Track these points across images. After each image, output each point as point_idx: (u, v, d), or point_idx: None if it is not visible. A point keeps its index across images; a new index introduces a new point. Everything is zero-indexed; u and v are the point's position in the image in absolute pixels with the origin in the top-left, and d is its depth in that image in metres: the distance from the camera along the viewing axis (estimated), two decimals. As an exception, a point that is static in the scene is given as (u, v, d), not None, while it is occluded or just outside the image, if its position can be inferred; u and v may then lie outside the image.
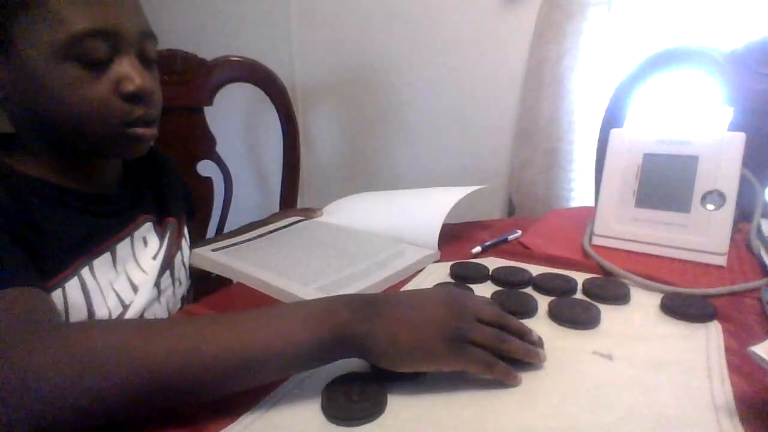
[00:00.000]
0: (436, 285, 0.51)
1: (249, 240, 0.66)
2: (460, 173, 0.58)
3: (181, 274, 0.60)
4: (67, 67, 0.43)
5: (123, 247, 0.51)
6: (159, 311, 0.54)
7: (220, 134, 1.02)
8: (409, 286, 0.52)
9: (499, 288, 0.51)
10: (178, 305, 0.59)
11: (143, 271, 0.53)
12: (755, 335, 0.41)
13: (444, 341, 0.34)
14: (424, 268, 0.57)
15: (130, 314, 0.50)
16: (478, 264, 0.56)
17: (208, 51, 1.00)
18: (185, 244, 0.63)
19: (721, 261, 0.55)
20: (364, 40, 1.41)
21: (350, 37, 1.42)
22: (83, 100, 0.44)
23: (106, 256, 0.49)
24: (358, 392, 0.33)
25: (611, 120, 0.91)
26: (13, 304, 0.35)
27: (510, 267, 0.55)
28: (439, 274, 0.55)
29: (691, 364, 0.37)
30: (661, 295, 0.47)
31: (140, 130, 0.48)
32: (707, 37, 0.94)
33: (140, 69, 0.46)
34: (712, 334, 0.41)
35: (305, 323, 0.33)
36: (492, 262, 0.57)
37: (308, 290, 0.49)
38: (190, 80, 0.96)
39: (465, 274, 0.53)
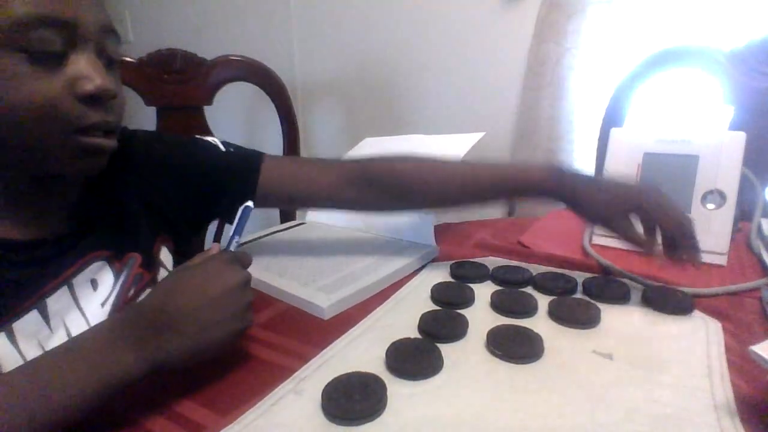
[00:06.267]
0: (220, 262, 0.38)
1: (247, 243, 0.66)
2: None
3: None
4: (6, 59, 0.35)
5: (58, 299, 0.42)
6: None
7: (220, 133, 1.02)
8: (410, 287, 0.52)
9: (500, 287, 0.51)
10: None
11: (87, 322, 0.43)
12: (755, 335, 0.41)
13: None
14: (424, 267, 0.57)
15: None
16: (478, 263, 0.55)
17: (208, 50, 1.00)
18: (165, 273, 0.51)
19: (722, 260, 0.55)
20: (364, 39, 1.41)
21: (350, 36, 1.42)
22: (26, 98, 0.35)
23: (32, 315, 0.40)
24: (358, 392, 0.32)
25: (611, 119, 0.91)
26: None
27: (510, 266, 0.55)
28: (438, 273, 0.55)
29: (691, 363, 0.37)
30: (662, 295, 0.47)
31: (96, 140, 0.39)
32: (708, 36, 0.94)
33: (100, 68, 0.39)
34: (712, 333, 0.41)
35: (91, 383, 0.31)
36: (492, 262, 0.57)
37: (308, 290, 0.49)
38: (189, 79, 0.96)
39: (465, 274, 0.53)
